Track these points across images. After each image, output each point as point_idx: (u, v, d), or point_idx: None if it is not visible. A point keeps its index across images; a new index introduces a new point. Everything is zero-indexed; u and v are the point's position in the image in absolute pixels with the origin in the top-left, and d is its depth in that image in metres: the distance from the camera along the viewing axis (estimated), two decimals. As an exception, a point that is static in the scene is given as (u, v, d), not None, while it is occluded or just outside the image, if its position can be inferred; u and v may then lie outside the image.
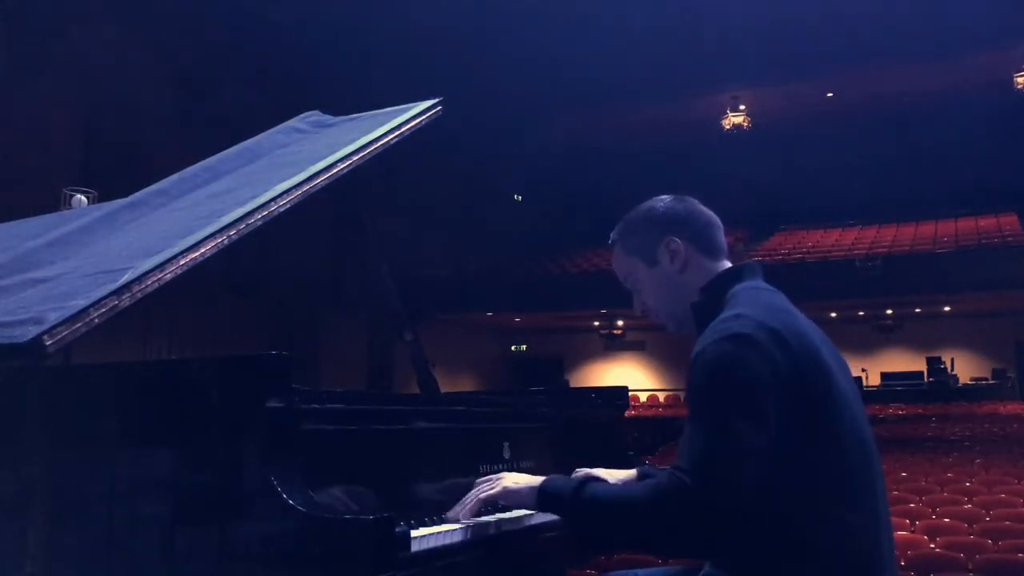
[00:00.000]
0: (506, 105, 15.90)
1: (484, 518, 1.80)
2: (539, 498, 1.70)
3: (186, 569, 1.57)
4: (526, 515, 1.89)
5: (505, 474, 1.82)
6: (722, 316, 1.62)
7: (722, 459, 1.49)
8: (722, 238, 1.85)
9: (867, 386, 16.67)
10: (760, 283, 1.76)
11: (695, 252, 1.80)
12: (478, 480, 1.84)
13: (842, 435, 1.56)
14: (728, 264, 1.82)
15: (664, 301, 1.84)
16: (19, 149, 10.38)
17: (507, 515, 1.84)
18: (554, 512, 1.71)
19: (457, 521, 1.75)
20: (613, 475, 2.01)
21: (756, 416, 1.49)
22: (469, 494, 1.80)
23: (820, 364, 1.58)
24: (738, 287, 1.73)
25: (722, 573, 1.63)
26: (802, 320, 1.66)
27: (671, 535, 1.55)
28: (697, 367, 1.56)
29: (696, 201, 1.88)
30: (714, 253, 1.81)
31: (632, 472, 2.06)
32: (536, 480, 1.73)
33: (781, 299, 1.72)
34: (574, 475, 1.93)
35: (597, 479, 1.75)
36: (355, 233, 2.82)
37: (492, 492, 1.76)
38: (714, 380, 1.54)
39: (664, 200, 1.87)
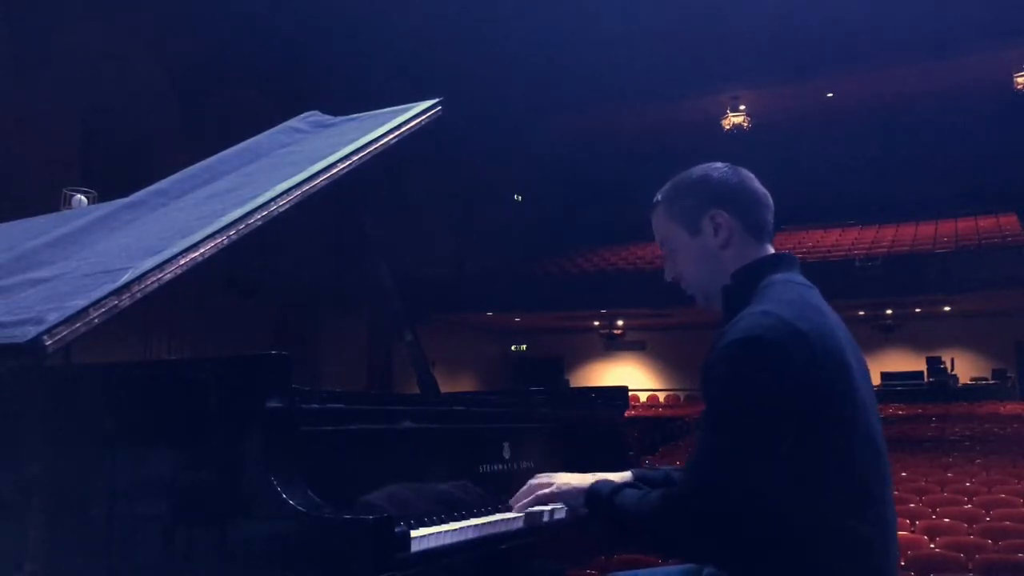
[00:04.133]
0: (506, 105, 15.91)
1: (485, 518, 1.80)
2: (587, 498, 1.78)
3: (186, 569, 1.57)
4: (526, 515, 1.89)
5: (559, 474, 1.89)
6: (749, 310, 1.57)
7: (730, 465, 1.48)
8: (770, 219, 1.77)
9: (867, 386, 16.63)
10: (795, 276, 1.70)
11: (741, 229, 1.73)
12: (535, 477, 1.91)
13: (856, 443, 1.53)
14: (771, 249, 1.75)
15: (699, 274, 1.77)
16: (19, 149, 10.38)
17: (507, 515, 1.84)
18: (599, 513, 1.77)
19: (510, 510, 1.86)
20: (610, 478, 1.99)
21: (768, 426, 1.47)
22: (524, 490, 1.88)
23: (842, 368, 1.54)
24: (773, 277, 1.67)
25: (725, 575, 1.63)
26: (831, 320, 1.62)
27: (678, 540, 1.59)
28: (713, 369, 1.53)
29: (752, 176, 1.79)
30: (759, 234, 1.74)
31: (626, 475, 2.02)
32: (586, 480, 1.82)
33: (814, 295, 1.66)
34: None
35: (631, 485, 1.77)
36: (355, 233, 2.82)
37: (547, 492, 1.84)
38: (729, 385, 1.52)
39: (720, 168, 1.78)
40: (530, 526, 1.84)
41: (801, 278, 1.71)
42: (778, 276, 1.68)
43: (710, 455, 1.52)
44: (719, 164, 1.80)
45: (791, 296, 1.61)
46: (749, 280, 1.68)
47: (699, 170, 1.80)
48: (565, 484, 1.83)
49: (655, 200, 1.83)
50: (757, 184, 1.79)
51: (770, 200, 1.78)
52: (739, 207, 1.74)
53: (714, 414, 1.53)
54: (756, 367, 1.49)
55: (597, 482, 1.79)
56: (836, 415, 1.51)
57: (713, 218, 1.73)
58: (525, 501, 1.85)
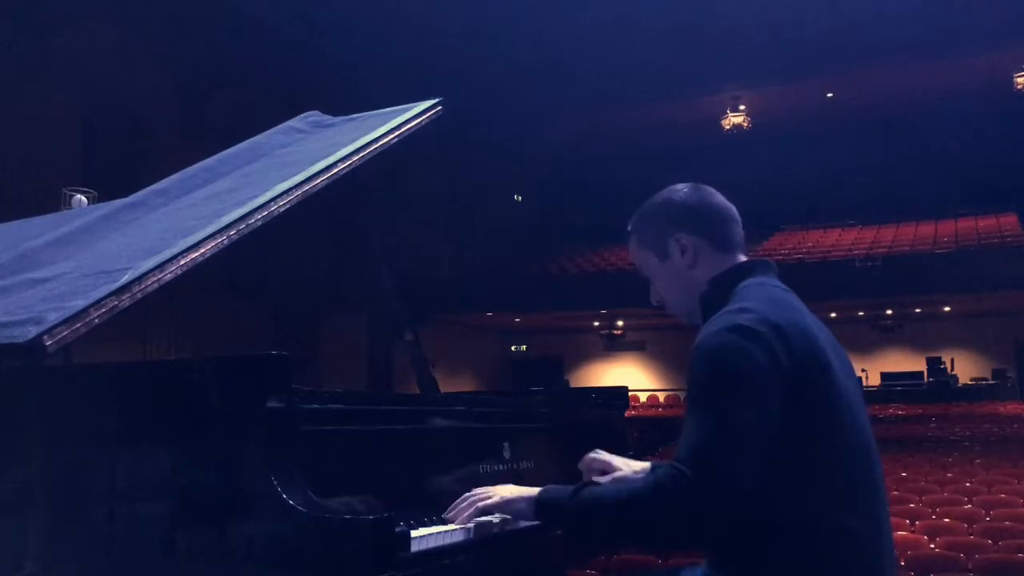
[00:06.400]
0: (507, 105, 15.91)
1: (485, 517, 1.80)
2: (537, 508, 1.68)
3: (186, 569, 1.57)
4: (476, 526, 1.88)
5: (500, 486, 1.78)
6: (726, 308, 1.61)
7: (721, 448, 1.47)
8: (738, 231, 1.81)
9: (867, 386, 16.64)
10: (770, 280, 1.73)
11: (707, 247, 1.77)
12: (475, 490, 1.79)
13: (843, 437, 1.55)
14: (743, 258, 1.79)
15: (676, 295, 1.83)
16: (19, 149, 10.38)
17: (455, 513, 1.84)
18: (553, 522, 1.69)
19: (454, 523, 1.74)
20: (629, 465, 1.99)
21: (756, 405, 1.48)
22: (464, 500, 1.77)
23: (823, 364, 1.56)
24: (747, 282, 1.70)
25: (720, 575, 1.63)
26: (809, 319, 1.64)
27: (672, 526, 1.50)
28: (697, 357, 1.55)
29: (714, 192, 1.84)
30: (727, 248, 1.78)
31: (646, 464, 2.03)
32: (533, 490, 1.70)
33: (790, 297, 1.69)
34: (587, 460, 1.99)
35: (593, 482, 1.71)
36: (355, 233, 2.83)
37: (489, 503, 1.73)
38: (714, 369, 1.52)
39: (681, 191, 1.83)
40: (476, 538, 1.71)
41: (776, 281, 1.74)
42: (753, 280, 1.71)
43: (700, 439, 1.49)
44: (680, 186, 1.85)
45: (766, 295, 1.65)
46: (725, 285, 1.72)
47: (661, 195, 1.86)
48: (510, 495, 1.72)
49: (628, 230, 1.89)
50: (719, 199, 1.83)
51: (734, 212, 1.83)
52: (702, 226, 1.78)
53: (702, 400, 1.52)
54: (736, 356, 1.50)
55: (548, 488, 1.70)
56: (819, 407, 1.53)
57: (678, 240, 1.79)
58: (465, 514, 1.73)
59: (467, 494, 1.78)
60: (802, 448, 1.50)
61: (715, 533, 1.53)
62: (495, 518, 1.80)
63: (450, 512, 1.76)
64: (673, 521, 1.49)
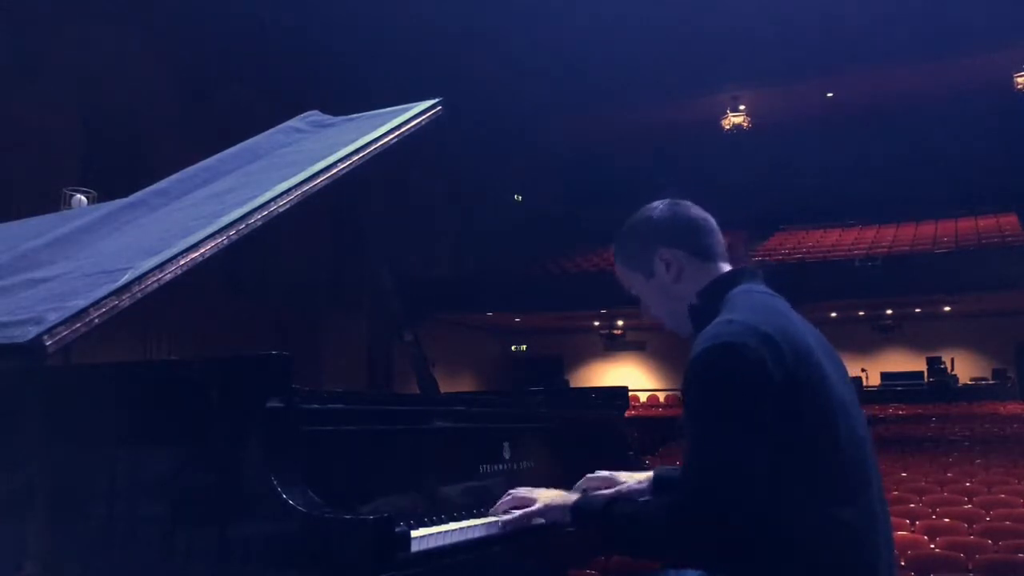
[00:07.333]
0: (506, 105, 15.91)
1: (486, 518, 1.80)
2: (573, 516, 1.77)
3: (186, 569, 1.57)
4: (516, 521, 1.88)
5: (540, 491, 1.86)
6: (715, 321, 1.63)
7: (719, 472, 1.50)
8: (718, 240, 1.85)
9: (867, 386, 16.66)
10: (756, 286, 1.76)
11: (690, 260, 1.81)
12: (518, 490, 1.88)
13: (837, 437, 1.56)
14: (727, 267, 1.83)
15: (665, 309, 1.87)
16: (19, 149, 10.37)
17: (507, 516, 1.84)
18: (590, 527, 1.77)
19: (496, 515, 1.83)
20: (632, 477, 2.06)
21: (749, 424, 1.50)
22: (508, 502, 1.85)
23: (814, 367, 1.58)
24: (735, 291, 1.73)
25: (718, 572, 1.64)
26: (798, 323, 1.67)
27: (685, 550, 1.59)
28: (689, 378, 1.58)
29: (690, 205, 1.88)
30: (709, 258, 1.82)
31: (648, 474, 2.08)
32: (569, 498, 1.81)
33: (778, 302, 1.72)
34: (587, 480, 2.05)
35: (623, 499, 1.79)
36: (355, 233, 2.83)
37: (533, 510, 1.82)
38: (705, 391, 1.56)
39: (657, 209, 1.87)
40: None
41: (763, 287, 1.77)
42: (739, 289, 1.74)
43: (698, 463, 1.54)
44: (657, 203, 1.89)
45: (752, 303, 1.68)
46: (712, 297, 1.75)
47: (639, 215, 1.89)
48: (550, 501, 1.82)
49: (613, 253, 1.93)
50: (696, 212, 1.87)
51: (713, 223, 1.86)
52: (682, 240, 1.82)
53: (698, 423, 1.56)
54: (727, 370, 1.53)
55: (581, 498, 1.80)
56: (813, 409, 1.55)
57: (661, 256, 1.82)
58: (513, 518, 1.83)
59: (513, 492, 1.88)
60: (796, 447, 1.53)
61: (731, 548, 1.55)
62: (494, 519, 1.80)
63: (497, 508, 1.86)
64: (684, 545, 1.57)
